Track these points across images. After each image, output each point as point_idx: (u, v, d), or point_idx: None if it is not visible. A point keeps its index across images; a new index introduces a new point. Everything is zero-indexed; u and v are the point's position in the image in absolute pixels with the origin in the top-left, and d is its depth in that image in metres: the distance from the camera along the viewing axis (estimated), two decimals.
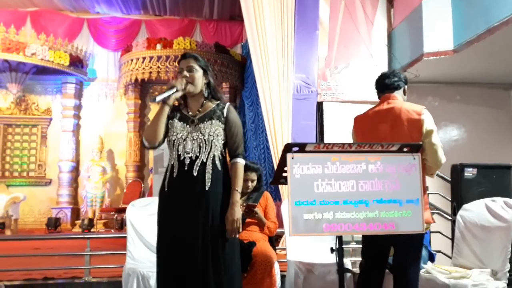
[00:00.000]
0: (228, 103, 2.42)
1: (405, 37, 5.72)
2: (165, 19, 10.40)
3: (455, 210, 4.07)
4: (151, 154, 9.32)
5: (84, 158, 9.82)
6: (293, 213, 1.97)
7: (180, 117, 2.36)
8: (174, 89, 2.25)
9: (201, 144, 2.28)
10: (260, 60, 5.34)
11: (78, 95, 9.93)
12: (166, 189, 2.31)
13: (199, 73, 2.35)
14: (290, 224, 1.98)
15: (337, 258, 2.24)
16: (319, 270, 3.22)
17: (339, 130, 5.35)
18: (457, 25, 5.05)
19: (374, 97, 2.82)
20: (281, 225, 3.66)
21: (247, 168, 3.15)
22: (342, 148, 2.09)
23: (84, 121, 10.03)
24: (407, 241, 2.45)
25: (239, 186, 2.29)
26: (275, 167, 2.50)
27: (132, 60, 8.51)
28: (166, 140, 2.36)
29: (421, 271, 2.86)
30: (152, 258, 2.63)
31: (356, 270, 3.05)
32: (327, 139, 5.49)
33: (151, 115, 9.91)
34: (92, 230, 8.60)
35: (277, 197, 5.55)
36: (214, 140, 2.29)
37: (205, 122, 2.31)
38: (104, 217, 9.16)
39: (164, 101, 2.28)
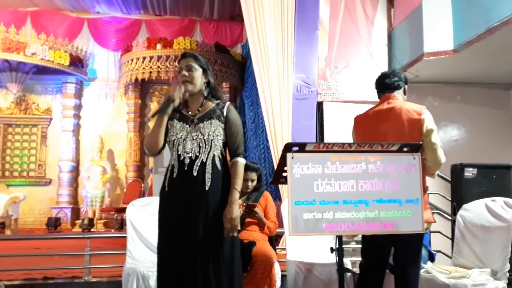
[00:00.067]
0: (228, 103, 2.42)
1: (405, 37, 5.72)
2: (165, 19, 10.40)
3: (455, 210, 4.08)
4: None
5: (84, 158, 9.83)
6: (293, 213, 1.97)
7: (179, 117, 2.36)
8: (172, 102, 2.29)
9: (200, 144, 2.28)
10: (260, 60, 5.33)
11: (78, 95, 9.94)
12: (166, 189, 2.31)
13: (198, 72, 2.34)
14: (290, 224, 1.98)
15: (337, 258, 2.24)
16: (319, 270, 3.22)
17: (339, 130, 5.35)
18: (457, 25, 5.05)
19: (374, 97, 2.82)
20: (281, 225, 3.66)
21: (247, 168, 3.15)
22: (342, 148, 2.09)
23: (84, 121, 10.03)
24: (406, 241, 2.45)
25: (238, 185, 2.28)
26: (275, 167, 2.49)
27: (132, 60, 8.51)
28: (166, 140, 2.36)
29: (421, 271, 2.86)
30: (152, 258, 2.63)
31: (356, 270, 3.05)
32: (327, 139, 5.49)
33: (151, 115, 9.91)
34: (92, 230, 8.60)
35: (277, 197, 5.55)
36: (214, 140, 2.29)
37: (205, 122, 2.31)
38: (104, 217, 9.17)
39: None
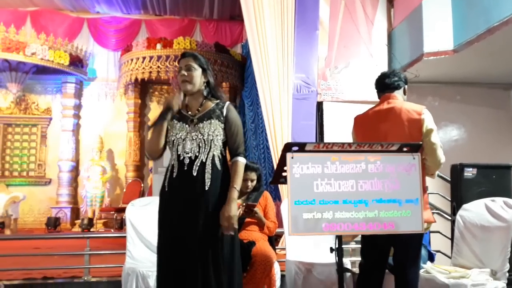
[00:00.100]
0: (227, 102, 2.41)
1: (405, 37, 5.72)
2: (165, 18, 10.40)
3: (454, 210, 4.07)
4: None
5: (84, 157, 9.83)
6: (293, 213, 1.97)
7: (179, 117, 2.36)
8: (171, 110, 2.30)
9: (200, 144, 2.28)
10: (260, 60, 5.33)
11: (78, 94, 9.94)
12: (166, 189, 2.31)
13: (197, 72, 2.34)
14: (289, 224, 1.98)
15: (337, 258, 2.23)
16: (319, 270, 3.22)
17: (339, 130, 5.35)
18: (457, 25, 5.05)
19: (374, 97, 2.82)
20: (280, 224, 3.66)
21: (246, 168, 3.14)
22: (341, 148, 2.09)
23: (84, 120, 10.03)
24: (406, 241, 2.45)
25: (237, 184, 2.27)
26: (275, 167, 2.49)
27: (132, 59, 8.51)
28: (166, 142, 2.36)
29: (421, 271, 2.86)
30: (152, 257, 2.63)
31: (356, 270, 3.05)
32: (327, 139, 5.48)
33: (151, 115, 9.92)
34: (91, 229, 8.60)
35: (276, 197, 5.55)
36: (213, 140, 2.29)
37: (204, 122, 2.31)
38: (104, 217, 9.16)
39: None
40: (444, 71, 5.63)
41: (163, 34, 9.33)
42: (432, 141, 2.48)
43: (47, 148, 9.82)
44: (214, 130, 2.30)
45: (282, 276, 3.46)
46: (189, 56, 2.36)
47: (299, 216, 1.97)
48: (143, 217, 3.34)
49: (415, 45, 5.36)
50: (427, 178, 2.62)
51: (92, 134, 9.74)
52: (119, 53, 9.54)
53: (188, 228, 2.22)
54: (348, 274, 3.14)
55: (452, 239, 3.67)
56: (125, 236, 3.41)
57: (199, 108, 2.36)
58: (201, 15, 10.35)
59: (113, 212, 8.66)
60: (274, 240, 3.54)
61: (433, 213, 3.07)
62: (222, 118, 2.33)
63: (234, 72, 8.85)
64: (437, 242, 4.52)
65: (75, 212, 9.53)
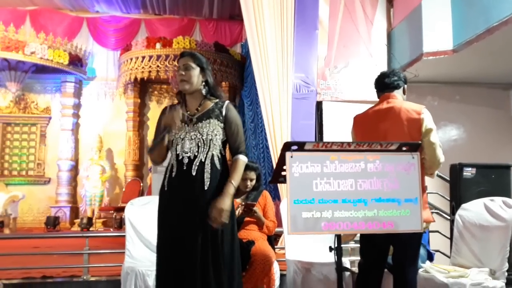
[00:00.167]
0: (227, 101, 2.41)
1: (405, 37, 5.72)
2: (165, 18, 10.39)
3: (453, 210, 4.08)
4: None
5: (83, 157, 9.81)
6: (292, 212, 1.97)
7: None
8: (169, 131, 2.30)
9: (199, 144, 2.28)
10: (260, 59, 5.33)
11: (77, 94, 9.92)
12: (166, 189, 2.31)
13: (195, 71, 2.33)
14: (289, 223, 1.98)
15: (336, 257, 2.23)
16: (318, 269, 3.22)
17: (338, 129, 5.35)
18: (456, 25, 5.05)
19: (374, 96, 2.82)
20: (280, 224, 3.66)
21: (246, 167, 3.13)
22: (341, 147, 2.09)
23: (83, 120, 10.02)
24: (405, 240, 2.45)
25: (235, 180, 2.27)
26: (274, 166, 2.49)
27: (131, 59, 8.50)
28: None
29: (420, 271, 2.86)
30: (151, 257, 2.63)
31: (355, 269, 3.05)
32: (326, 138, 5.49)
33: (150, 115, 9.92)
34: (91, 229, 8.58)
35: (276, 196, 5.55)
36: (212, 140, 2.29)
37: (203, 122, 2.31)
38: (103, 216, 9.15)
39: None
40: (443, 71, 5.63)
41: (162, 34, 9.32)
42: (431, 141, 2.48)
43: (46, 147, 9.81)
44: (213, 130, 2.29)
45: (281, 275, 3.46)
46: (187, 56, 2.36)
47: (298, 215, 1.97)
48: (143, 217, 3.34)
49: (415, 45, 5.37)
50: (427, 178, 2.62)
51: (91, 134, 9.73)
52: (118, 52, 9.52)
53: (187, 228, 2.22)
54: (347, 273, 3.14)
55: (451, 238, 3.67)
56: (124, 236, 3.41)
57: (198, 108, 2.36)
58: (200, 15, 10.34)
59: (112, 212, 8.65)
60: (273, 239, 3.54)
61: (432, 212, 3.07)
62: (221, 118, 2.33)
63: (233, 72, 8.85)
64: (436, 242, 4.53)
65: (74, 211, 9.52)
